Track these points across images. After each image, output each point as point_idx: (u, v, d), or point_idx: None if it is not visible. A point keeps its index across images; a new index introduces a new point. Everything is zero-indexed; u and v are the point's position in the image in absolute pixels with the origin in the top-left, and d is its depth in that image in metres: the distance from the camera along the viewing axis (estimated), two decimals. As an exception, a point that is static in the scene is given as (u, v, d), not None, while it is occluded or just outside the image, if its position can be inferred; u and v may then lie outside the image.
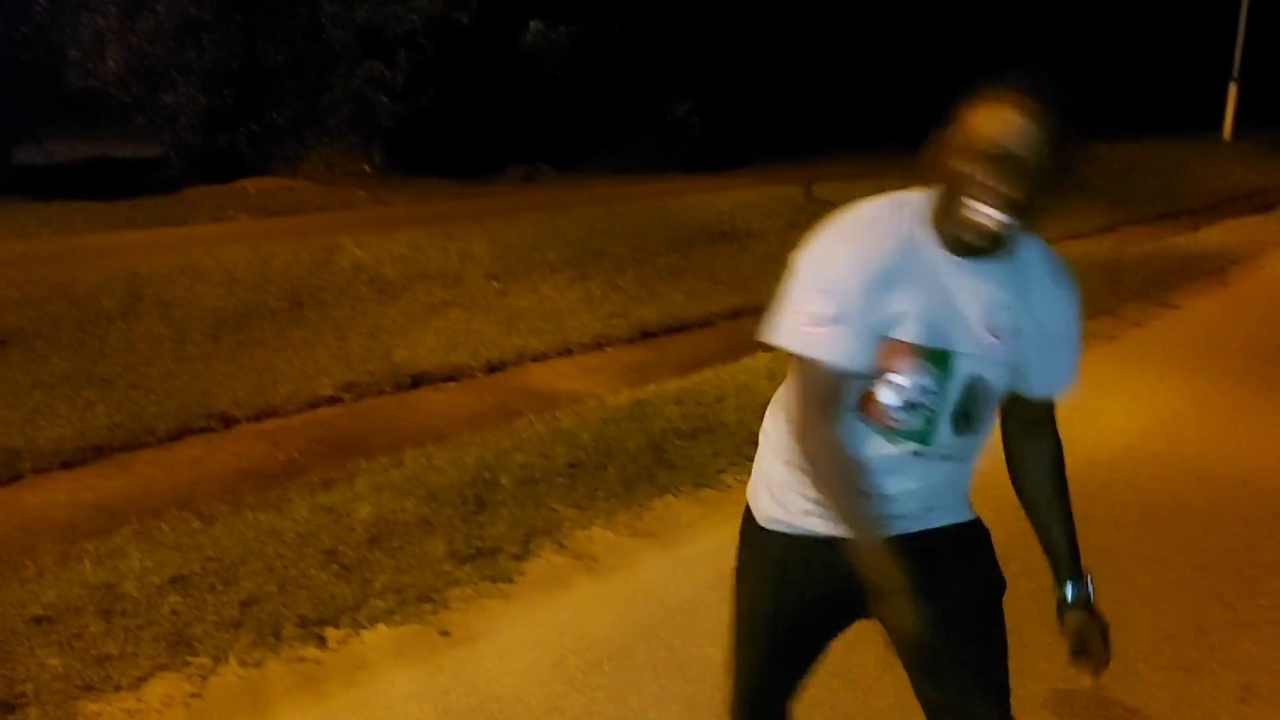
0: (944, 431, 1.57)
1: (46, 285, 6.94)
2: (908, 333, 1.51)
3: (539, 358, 6.38)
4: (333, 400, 5.53)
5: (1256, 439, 4.73)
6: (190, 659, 2.77)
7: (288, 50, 14.62)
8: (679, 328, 7.21)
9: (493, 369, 6.14)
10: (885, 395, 1.54)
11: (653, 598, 3.23)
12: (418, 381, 5.86)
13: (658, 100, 16.48)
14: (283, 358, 6.14)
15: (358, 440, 4.93)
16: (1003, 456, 1.72)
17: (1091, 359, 5.99)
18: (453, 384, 5.92)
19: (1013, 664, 2.83)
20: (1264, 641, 2.98)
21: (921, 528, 1.65)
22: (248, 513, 3.77)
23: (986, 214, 1.44)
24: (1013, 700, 2.71)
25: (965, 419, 1.57)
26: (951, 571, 1.65)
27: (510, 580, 3.28)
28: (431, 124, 14.45)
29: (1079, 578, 1.66)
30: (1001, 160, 1.42)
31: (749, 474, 4.63)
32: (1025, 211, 1.44)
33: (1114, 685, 2.76)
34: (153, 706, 2.59)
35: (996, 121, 1.43)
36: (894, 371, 1.53)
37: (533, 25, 15.34)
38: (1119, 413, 4.99)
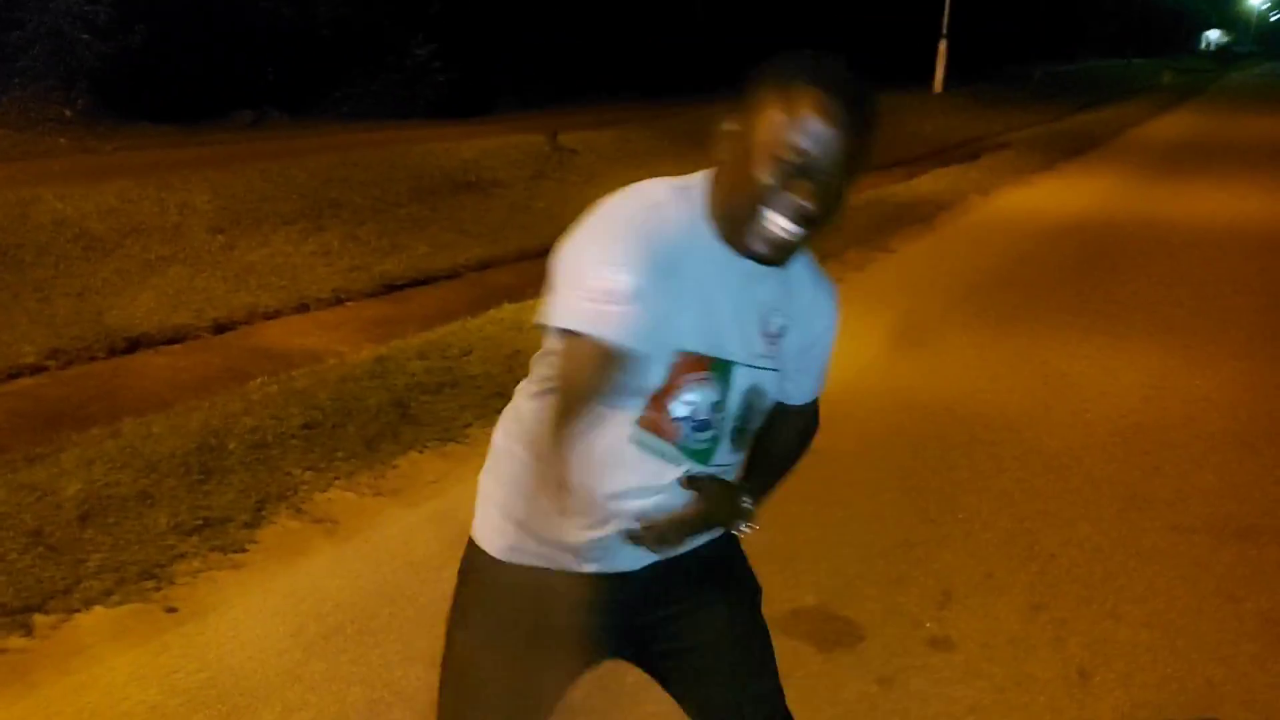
0: (723, 449, 1.44)
1: None
2: (694, 341, 1.37)
3: (272, 315, 6.06)
4: (36, 369, 5.03)
5: (957, 369, 5.22)
6: None
7: (-34, -21, 12.94)
8: (424, 280, 7.06)
9: (221, 329, 5.78)
10: (679, 410, 1.39)
11: (397, 556, 3.17)
12: (135, 345, 5.42)
13: (398, 43, 15.86)
14: (-26, 324, 5.52)
15: (68, 411, 4.51)
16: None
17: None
18: (176, 346, 5.53)
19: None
20: (960, 552, 3.32)
21: (679, 552, 1.50)
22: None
23: (784, 227, 1.32)
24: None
25: (742, 434, 1.47)
26: (709, 591, 1.55)
27: (242, 550, 3.12)
28: (143, 65, 13.24)
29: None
30: (804, 170, 1.30)
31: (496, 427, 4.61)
32: (821, 223, 1.34)
33: (835, 601, 2.99)
34: None
35: (798, 124, 1.29)
36: (684, 385, 1.38)
37: (256, -42, 14.35)
38: (840, 352, 5.31)
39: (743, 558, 1.64)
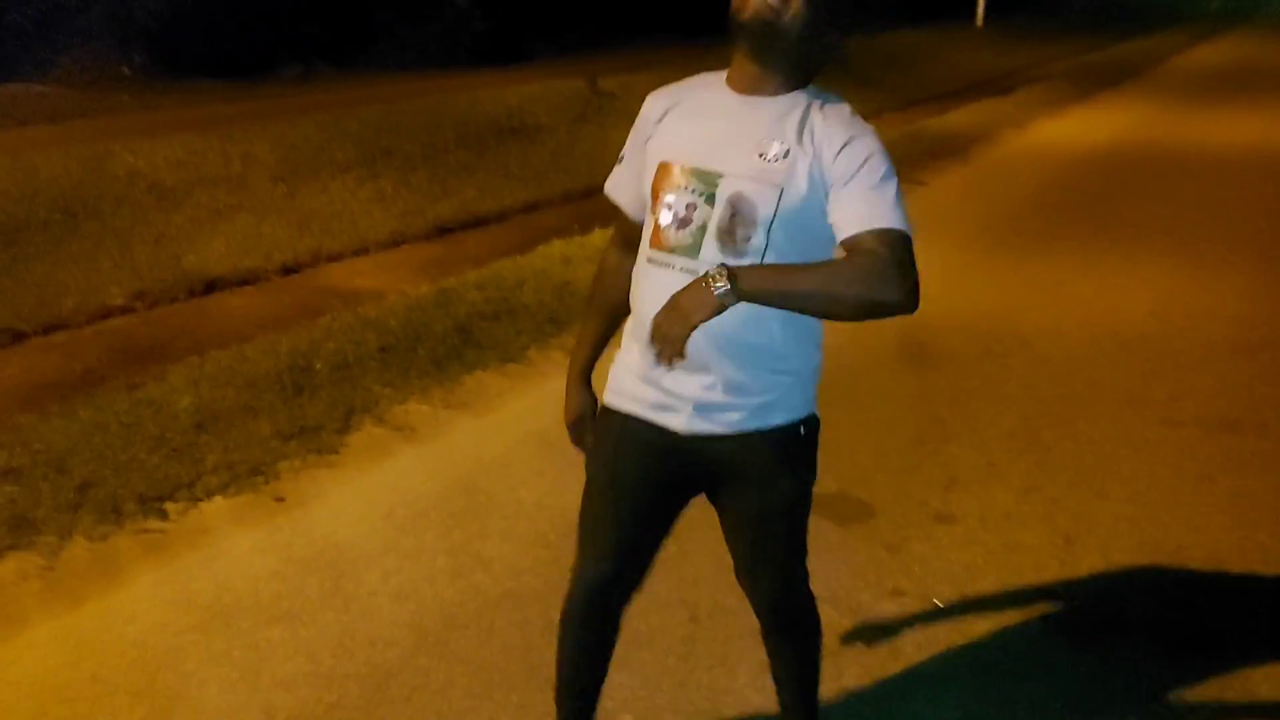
0: (710, 246, 1.65)
1: None
2: (678, 155, 1.70)
3: (335, 258, 6.47)
4: (125, 310, 5.45)
5: (977, 292, 5.54)
6: (35, 539, 2.96)
7: (23, -58, 13.42)
8: (474, 223, 7.43)
9: (288, 271, 6.18)
10: (662, 216, 1.71)
11: (469, 456, 3.62)
12: (212, 287, 5.85)
13: (436, -8, 16.17)
14: (64, 270, 5.98)
15: (157, 347, 4.95)
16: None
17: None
18: (249, 288, 5.94)
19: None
20: (965, 446, 3.70)
21: (734, 428, 1.77)
22: (67, 409, 3.86)
23: None
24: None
25: (730, 235, 1.65)
26: (740, 486, 1.88)
27: (335, 452, 3.59)
28: (195, 22, 13.70)
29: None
30: None
31: (552, 349, 5.02)
32: (793, 13, 1.60)
33: (852, 487, 3.39)
34: (7, 580, 2.79)
35: None
36: (667, 191, 1.70)
37: (297, -86, 14.66)
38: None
39: (788, 473, 1.91)
